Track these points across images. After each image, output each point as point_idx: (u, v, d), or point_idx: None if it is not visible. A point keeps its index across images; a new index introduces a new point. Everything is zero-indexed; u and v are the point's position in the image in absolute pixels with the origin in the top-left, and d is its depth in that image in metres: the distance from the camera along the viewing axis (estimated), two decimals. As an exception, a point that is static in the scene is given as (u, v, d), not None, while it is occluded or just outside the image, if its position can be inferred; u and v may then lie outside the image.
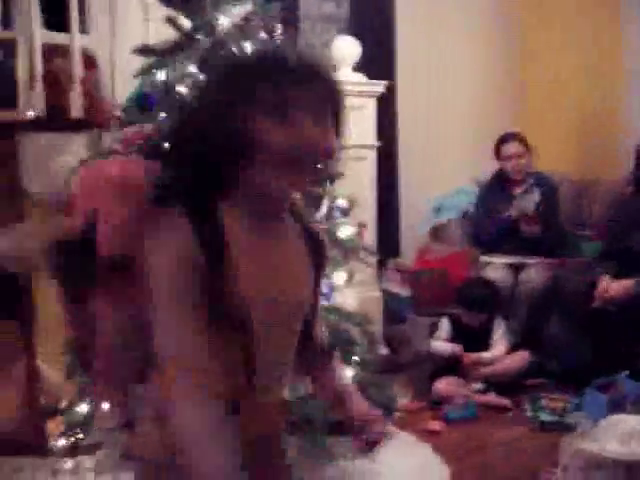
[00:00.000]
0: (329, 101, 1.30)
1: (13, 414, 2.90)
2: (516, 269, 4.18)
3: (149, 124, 2.50)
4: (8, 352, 2.97)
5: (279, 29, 2.72)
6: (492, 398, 3.64)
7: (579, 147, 5.03)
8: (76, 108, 3.21)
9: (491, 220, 4.26)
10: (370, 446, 1.48)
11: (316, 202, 2.61)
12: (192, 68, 2.54)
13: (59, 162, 3.24)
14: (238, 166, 1.24)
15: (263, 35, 2.69)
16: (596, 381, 3.12)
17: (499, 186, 4.40)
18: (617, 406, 2.91)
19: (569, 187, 4.70)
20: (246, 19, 2.61)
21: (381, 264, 4.20)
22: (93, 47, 3.45)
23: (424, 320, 4.16)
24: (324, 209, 2.62)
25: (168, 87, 2.55)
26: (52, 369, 2.90)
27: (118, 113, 2.81)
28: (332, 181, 2.76)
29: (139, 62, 2.70)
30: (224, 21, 2.54)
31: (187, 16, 2.63)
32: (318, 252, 1.40)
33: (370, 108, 4.11)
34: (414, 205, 4.83)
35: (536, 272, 4.11)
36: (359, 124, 4.02)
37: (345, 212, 2.72)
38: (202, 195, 1.24)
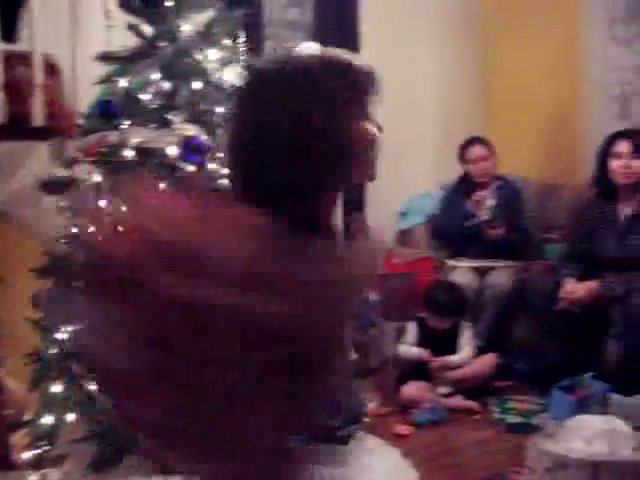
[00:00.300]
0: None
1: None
2: (482, 273, 4.21)
3: (111, 132, 2.49)
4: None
5: (242, 36, 2.72)
6: (459, 401, 3.65)
7: (542, 151, 5.09)
8: (38, 116, 3.17)
9: (454, 223, 4.31)
10: None
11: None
12: (154, 75, 2.53)
13: (21, 171, 3.20)
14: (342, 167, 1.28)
15: (226, 42, 2.69)
16: (562, 382, 3.15)
17: (464, 189, 4.44)
18: (583, 407, 2.94)
19: (533, 190, 4.75)
20: (208, 26, 2.60)
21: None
22: (55, 54, 3.41)
23: (391, 324, 4.17)
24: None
25: (130, 94, 2.54)
26: (16, 381, 2.86)
27: (80, 121, 2.79)
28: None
29: (101, 69, 2.68)
30: (186, 28, 2.54)
31: (149, 23, 2.62)
32: None
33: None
34: (380, 209, 4.85)
35: (502, 275, 4.14)
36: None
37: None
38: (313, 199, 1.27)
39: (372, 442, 2.86)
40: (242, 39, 2.75)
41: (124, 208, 1.24)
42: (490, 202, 4.26)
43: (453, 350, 3.82)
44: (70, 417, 2.48)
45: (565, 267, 3.72)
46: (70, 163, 2.93)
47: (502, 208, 4.22)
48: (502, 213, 4.20)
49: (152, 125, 2.51)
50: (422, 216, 4.82)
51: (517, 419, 3.35)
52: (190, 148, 2.38)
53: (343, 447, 2.79)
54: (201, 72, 2.56)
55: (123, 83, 2.56)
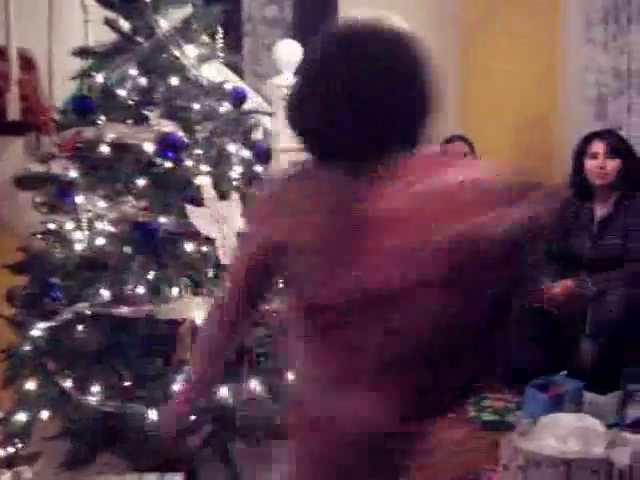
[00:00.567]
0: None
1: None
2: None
3: (87, 127, 2.47)
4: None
5: (220, 32, 2.71)
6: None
7: (520, 152, 5.11)
8: (13, 111, 3.15)
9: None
10: None
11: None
12: (132, 70, 2.52)
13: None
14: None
15: (204, 38, 2.68)
16: (536, 380, 3.17)
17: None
18: (556, 405, 2.96)
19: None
20: (186, 22, 2.59)
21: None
22: (31, 49, 3.38)
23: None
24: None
25: (107, 90, 2.52)
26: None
27: (56, 116, 2.77)
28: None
29: (78, 64, 2.66)
30: (164, 24, 2.52)
31: (126, 18, 2.60)
32: None
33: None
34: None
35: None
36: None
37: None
38: None
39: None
40: (220, 36, 2.74)
41: None
42: None
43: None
44: (44, 414, 2.46)
45: (542, 267, 3.73)
46: (46, 159, 2.91)
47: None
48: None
49: (129, 121, 2.49)
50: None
51: (492, 417, 3.36)
52: (166, 144, 2.37)
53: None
54: (179, 68, 2.55)
55: (100, 78, 2.54)
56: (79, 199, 2.48)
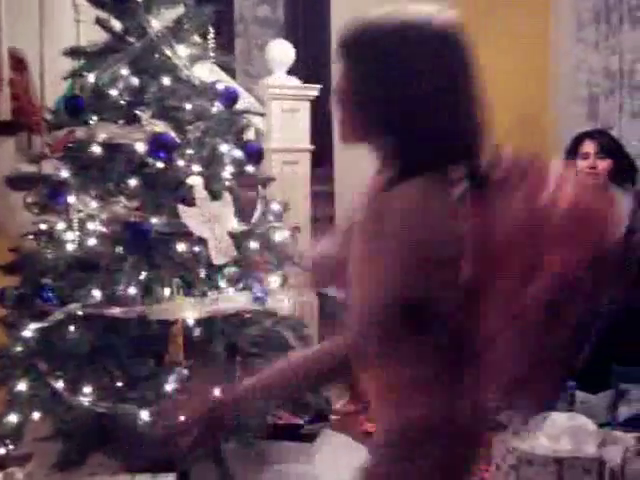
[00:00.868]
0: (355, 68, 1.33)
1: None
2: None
3: (78, 127, 2.46)
4: None
5: (212, 32, 2.70)
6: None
7: (511, 151, 5.12)
8: (4, 111, 3.14)
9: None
10: None
11: (250, 206, 2.60)
12: (123, 70, 2.51)
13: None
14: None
15: (196, 38, 2.67)
16: (528, 380, 3.17)
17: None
18: (549, 404, 2.97)
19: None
20: (178, 22, 2.59)
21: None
22: (22, 48, 3.37)
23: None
24: (258, 213, 2.61)
25: (98, 90, 2.51)
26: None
27: (47, 116, 2.76)
28: (265, 185, 2.76)
29: (69, 64, 2.65)
30: (156, 24, 2.52)
31: (118, 18, 2.59)
32: None
33: (304, 111, 4.12)
34: (349, 209, 4.84)
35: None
36: (293, 128, 4.02)
37: (279, 216, 2.71)
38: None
39: (339, 440, 2.88)
40: (212, 36, 2.74)
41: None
42: None
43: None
44: (35, 415, 2.46)
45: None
46: (37, 159, 2.90)
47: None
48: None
49: (120, 121, 2.48)
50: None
51: (484, 417, 3.36)
52: (158, 145, 2.37)
53: (310, 445, 2.81)
54: (170, 68, 2.54)
55: (91, 78, 2.53)
56: (71, 199, 2.47)
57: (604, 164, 3.59)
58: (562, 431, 2.46)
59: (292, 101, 4.02)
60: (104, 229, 2.43)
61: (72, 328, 2.41)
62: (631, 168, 3.69)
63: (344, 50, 1.29)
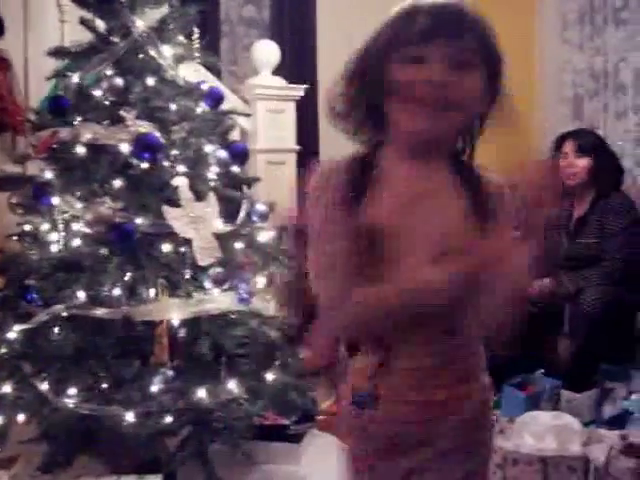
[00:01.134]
0: (478, 52, 1.28)
1: None
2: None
3: (62, 128, 2.45)
4: None
5: (197, 33, 2.70)
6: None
7: (497, 151, 5.14)
8: (-12, 111, 3.12)
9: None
10: None
11: (235, 206, 2.60)
12: (107, 71, 2.50)
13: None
14: (384, 106, 1.28)
15: (181, 38, 2.67)
16: (513, 379, 3.19)
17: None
18: (534, 403, 2.98)
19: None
20: (163, 22, 2.58)
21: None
22: (6, 49, 3.35)
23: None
24: (243, 213, 2.61)
25: (82, 90, 2.51)
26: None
27: (31, 117, 2.75)
28: (250, 185, 2.76)
29: (53, 64, 2.64)
30: (140, 24, 2.51)
31: (102, 18, 2.58)
32: (480, 201, 1.35)
33: (290, 112, 4.12)
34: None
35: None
36: (279, 128, 4.02)
37: (264, 216, 2.71)
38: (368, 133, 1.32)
39: (326, 440, 2.88)
40: (197, 36, 2.74)
41: None
42: None
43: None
44: (20, 418, 2.44)
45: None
46: (21, 159, 2.89)
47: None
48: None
49: (104, 122, 2.48)
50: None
51: (470, 416, 3.37)
52: (142, 145, 2.36)
53: (296, 445, 2.81)
54: (155, 68, 2.54)
55: (75, 79, 2.52)
56: (55, 200, 2.46)
57: (583, 162, 3.61)
58: (547, 430, 2.47)
59: (278, 101, 4.03)
60: (88, 230, 2.42)
61: (57, 329, 2.40)
62: (614, 166, 3.70)
63: (475, 51, 1.26)
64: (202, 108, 2.61)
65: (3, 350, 2.47)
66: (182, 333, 2.40)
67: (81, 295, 2.36)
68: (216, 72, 3.42)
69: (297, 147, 4.18)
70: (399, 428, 1.31)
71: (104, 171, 2.43)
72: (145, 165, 2.41)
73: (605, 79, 4.76)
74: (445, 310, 1.27)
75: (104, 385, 2.35)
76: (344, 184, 1.26)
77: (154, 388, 2.32)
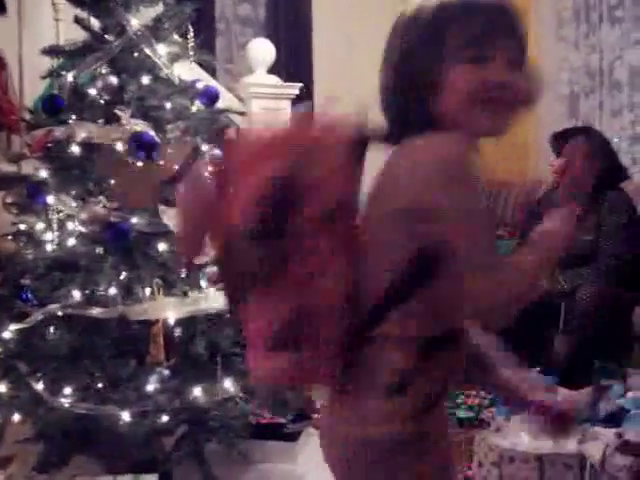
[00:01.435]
0: (523, 45, 1.28)
1: None
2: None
3: (57, 127, 2.45)
4: None
5: (192, 31, 2.69)
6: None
7: (492, 149, 5.14)
8: (-18, 110, 3.12)
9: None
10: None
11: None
12: (102, 69, 2.50)
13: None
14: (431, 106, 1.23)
15: (176, 37, 2.66)
16: (510, 377, 3.18)
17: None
18: (530, 401, 2.98)
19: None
20: (158, 20, 2.57)
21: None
22: (1, 48, 3.35)
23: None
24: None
25: (77, 89, 2.50)
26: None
27: (26, 116, 2.75)
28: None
29: (48, 63, 2.63)
30: (135, 22, 2.50)
31: (97, 16, 2.58)
32: None
33: (285, 110, 4.12)
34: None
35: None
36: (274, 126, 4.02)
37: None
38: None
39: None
40: (192, 34, 2.73)
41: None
42: None
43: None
44: (16, 417, 2.44)
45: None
46: (16, 158, 2.89)
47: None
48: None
49: (99, 120, 2.47)
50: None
51: (467, 414, 3.38)
52: (138, 144, 2.35)
53: (293, 444, 2.80)
54: (150, 67, 2.53)
55: (70, 77, 2.52)
56: (50, 199, 2.46)
57: (558, 162, 3.69)
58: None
59: (273, 100, 4.02)
60: (84, 229, 2.41)
61: (52, 329, 2.40)
62: (612, 164, 3.71)
63: (523, 50, 1.28)
64: (197, 107, 2.60)
65: (-2, 350, 2.46)
66: (178, 332, 2.40)
67: (76, 294, 2.36)
68: (211, 70, 3.42)
69: (293, 145, 4.17)
70: None
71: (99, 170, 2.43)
72: (140, 164, 2.40)
73: (601, 77, 4.77)
74: None
75: (100, 385, 2.35)
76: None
77: (150, 387, 2.32)
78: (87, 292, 2.36)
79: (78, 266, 2.40)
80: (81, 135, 2.44)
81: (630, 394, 2.86)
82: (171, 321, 2.37)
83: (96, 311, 2.34)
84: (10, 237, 2.60)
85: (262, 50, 4.03)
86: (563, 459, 2.38)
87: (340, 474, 1.29)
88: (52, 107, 2.52)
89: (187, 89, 2.59)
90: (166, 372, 2.36)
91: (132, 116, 2.43)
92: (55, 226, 2.45)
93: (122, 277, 2.38)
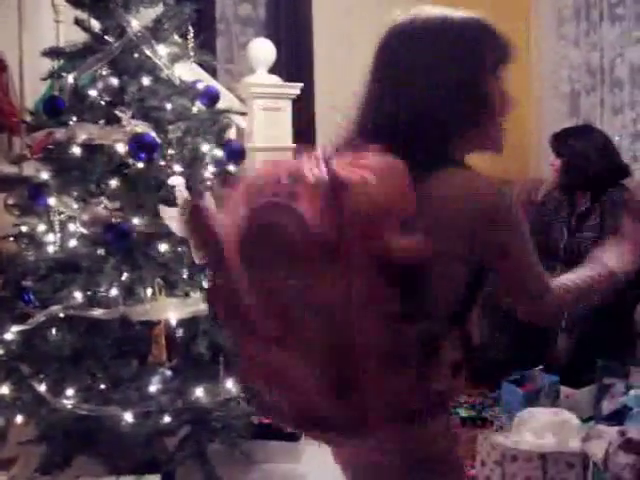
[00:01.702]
0: None
1: None
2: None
3: (58, 128, 2.45)
4: None
5: (192, 32, 2.69)
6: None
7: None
8: (-17, 112, 3.12)
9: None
10: None
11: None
12: (103, 71, 2.50)
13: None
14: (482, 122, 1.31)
15: (176, 38, 2.66)
16: (512, 375, 3.19)
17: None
18: (533, 399, 2.98)
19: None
20: (158, 21, 2.57)
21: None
22: (1, 49, 3.35)
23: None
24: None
25: (78, 90, 2.50)
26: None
27: (27, 117, 2.75)
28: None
29: (49, 65, 2.63)
30: (135, 23, 2.50)
31: (97, 18, 2.58)
32: None
33: (286, 110, 4.12)
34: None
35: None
36: (275, 126, 4.02)
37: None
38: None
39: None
40: (192, 35, 2.73)
41: None
42: None
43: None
44: (19, 419, 2.44)
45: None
46: (17, 160, 2.89)
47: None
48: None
49: (100, 122, 2.47)
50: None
51: (469, 413, 3.38)
52: (138, 145, 2.35)
53: (295, 443, 2.81)
54: (150, 68, 2.53)
55: (70, 79, 2.52)
56: (51, 201, 2.46)
57: (557, 162, 3.70)
58: (546, 426, 2.47)
59: (274, 100, 4.02)
60: (85, 230, 2.41)
61: (54, 330, 2.40)
62: (614, 162, 3.70)
63: None
64: (198, 107, 2.60)
65: (0, 351, 2.47)
66: (180, 333, 2.40)
67: (78, 296, 2.36)
68: (212, 71, 3.42)
69: (293, 145, 4.17)
70: None
71: (100, 171, 2.43)
72: (141, 165, 2.40)
73: (601, 75, 4.75)
74: None
75: (102, 385, 2.35)
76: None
77: (152, 388, 2.32)
78: (89, 293, 2.36)
79: (80, 267, 2.40)
80: (82, 136, 2.44)
81: (633, 392, 2.86)
82: (173, 321, 2.37)
83: (98, 312, 2.34)
84: (12, 239, 2.60)
85: (263, 50, 4.02)
86: (566, 457, 2.38)
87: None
88: (53, 108, 2.52)
89: (188, 90, 2.59)
90: (168, 373, 2.36)
91: (133, 117, 2.43)
92: (56, 227, 2.45)
93: (123, 278, 2.38)
